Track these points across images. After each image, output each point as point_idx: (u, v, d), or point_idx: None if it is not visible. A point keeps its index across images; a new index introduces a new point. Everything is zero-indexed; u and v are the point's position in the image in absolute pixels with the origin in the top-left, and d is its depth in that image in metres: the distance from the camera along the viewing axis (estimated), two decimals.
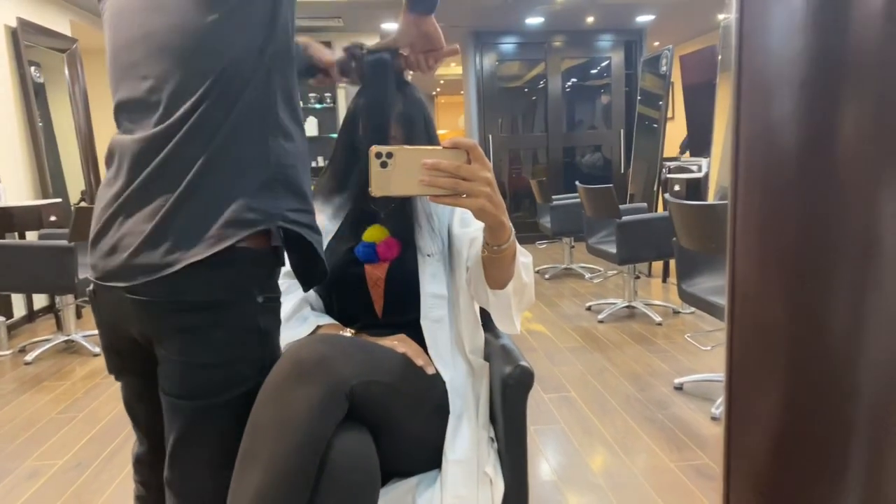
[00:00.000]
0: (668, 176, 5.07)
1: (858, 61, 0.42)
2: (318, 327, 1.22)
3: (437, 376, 1.17)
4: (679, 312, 4.06)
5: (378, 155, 0.86)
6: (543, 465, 2.21)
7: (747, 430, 0.49)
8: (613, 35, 7.30)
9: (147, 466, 1.07)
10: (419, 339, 1.21)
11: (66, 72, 4.99)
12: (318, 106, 6.55)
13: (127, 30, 0.92)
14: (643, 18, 6.85)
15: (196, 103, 0.85)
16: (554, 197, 5.51)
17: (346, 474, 0.93)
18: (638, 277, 4.16)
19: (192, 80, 0.85)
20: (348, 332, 1.22)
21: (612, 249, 3.80)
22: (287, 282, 1.25)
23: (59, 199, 4.40)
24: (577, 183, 4.33)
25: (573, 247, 5.58)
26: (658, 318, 3.87)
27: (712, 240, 2.49)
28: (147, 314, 0.89)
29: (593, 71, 7.62)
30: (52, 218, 4.09)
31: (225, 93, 0.86)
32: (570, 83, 7.56)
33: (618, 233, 3.70)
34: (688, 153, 6.81)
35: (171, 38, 0.87)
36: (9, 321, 3.99)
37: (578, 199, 4.37)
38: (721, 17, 6.42)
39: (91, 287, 0.98)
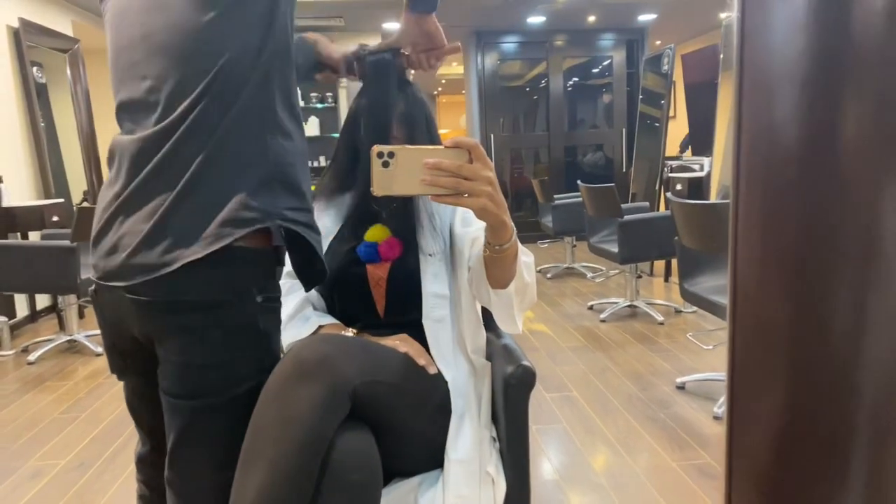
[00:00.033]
0: (670, 175, 5.06)
1: (860, 60, 0.42)
2: (320, 327, 1.22)
3: (439, 376, 1.17)
4: (681, 312, 4.06)
5: (380, 154, 0.86)
6: (545, 465, 2.21)
7: (749, 430, 0.49)
8: (615, 34, 7.30)
9: (150, 466, 1.08)
10: (421, 338, 1.21)
11: (69, 72, 4.99)
12: (319, 106, 6.55)
13: (128, 30, 0.92)
14: (645, 17, 6.85)
15: (194, 102, 0.85)
16: (556, 196, 5.51)
17: (349, 474, 0.93)
18: (640, 277, 4.16)
19: (190, 80, 0.85)
20: (350, 332, 1.22)
21: (614, 249, 3.79)
22: (289, 282, 1.25)
23: (61, 200, 4.40)
24: (578, 182, 4.33)
25: (575, 246, 5.58)
26: (660, 318, 3.87)
27: (714, 239, 2.49)
28: (146, 314, 0.90)
29: (595, 70, 7.61)
30: (55, 218, 4.10)
31: (223, 92, 0.86)
32: (571, 82, 7.55)
33: (619, 232, 3.70)
34: (688, 151, 6.81)
35: (169, 37, 0.87)
36: (11, 321, 4.00)
37: (580, 199, 4.37)
38: (723, 16, 6.40)
39: (93, 287, 0.98)
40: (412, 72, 1.28)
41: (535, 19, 6.73)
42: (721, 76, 4.52)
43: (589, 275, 5.28)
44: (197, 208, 0.86)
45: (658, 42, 7.78)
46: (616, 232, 3.76)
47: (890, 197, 0.42)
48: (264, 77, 0.89)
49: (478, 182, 0.89)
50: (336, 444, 0.93)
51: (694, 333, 3.62)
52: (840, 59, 0.42)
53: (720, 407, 2.60)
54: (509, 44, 7.34)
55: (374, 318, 1.26)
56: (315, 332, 1.21)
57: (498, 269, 1.06)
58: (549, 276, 5.38)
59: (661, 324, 3.82)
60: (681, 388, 2.84)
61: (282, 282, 0.99)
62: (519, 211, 7.42)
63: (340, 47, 1.26)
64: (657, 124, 5.58)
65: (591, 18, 6.79)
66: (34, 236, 4.13)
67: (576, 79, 7.59)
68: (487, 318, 1.33)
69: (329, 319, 1.26)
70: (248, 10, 0.87)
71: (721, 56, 4.63)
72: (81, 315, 4.21)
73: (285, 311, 1.22)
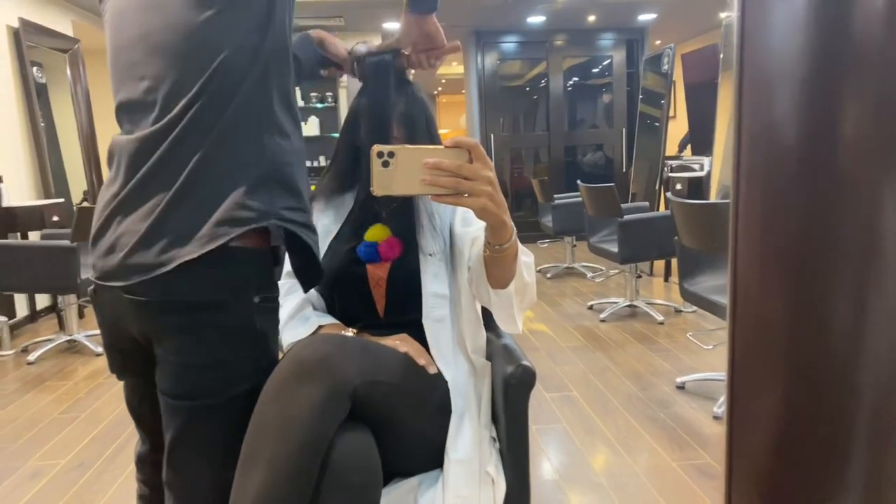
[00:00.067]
0: (670, 175, 5.06)
1: (859, 59, 0.42)
2: (320, 327, 1.22)
3: (439, 376, 1.17)
4: (681, 311, 4.06)
5: (380, 154, 0.86)
6: (545, 465, 2.21)
7: (749, 430, 0.49)
8: (615, 34, 7.30)
9: (149, 466, 1.08)
10: (421, 338, 1.21)
11: (69, 72, 4.99)
12: (319, 105, 6.55)
13: (127, 30, 0.92)
14: (645, 17, 6.85)
15: (191, 101, 0.85)
16: (555, 196, 5.51)
17: (349, 474, 0.93)
18: (640, 276, 4.16)
19: (187, 79, 0.85)
20: (350, 332, 1.22)
21: (614, 248, 3.79)
22: (289, 282, 1.25)
23: (61, 200, 4.40)
24: (578, 182, 4.33)
25: (575, 246, 5.58)
26: (660, 317, 3.87)
27: (714, 238, 2.49)
28: (144, 314, 0.89)
29: (595, 70, 7.61)
30: (55, 218, 4.10)
31: (220, 91, 0.86)
32: (571, 82, 7.55)
33: (619, 232, 3.70)
34: (687, 151, 6.81)
35: (166, 37, 0.87)
36: (11, 321, 4.00)
37: (580, 199, 4.36)
38: (723, 15, 6.40)
39: (92, 287, 0.98)
40: (412, 71, 1.28)
41: (535, 19, 6.73)
42: (721, 76, 4.52)
43: (589, 275, 5.28)
44: (194, 208, 0.86)
45: (658, 42, 7.78)
46: (616, 232, 3.76)
47: (890, 197, 0.42)
48: (262, 76, 0.89)
49: (478, 182, 0.89)
50: (336, 444, 0.93)
51: (694, 333, 3.62)
52: (840, 59, 0.42)
53: (720, 407, 2.60)
54: (509, 44, 7.34)
55: (374, 317, 1.26)
56: (315, 332, 1.21)
57: (498, 269, 1.06)
58: (549, 275, 5.38)
59: (661, 323, 3.82)
60: (681, 387, 2.84)
61: (281, 282, 0.99)
62: (519, 211, 7.42)
63: (346, 44, 1.26)
64: (657, 124, 5.59)
65: (591, 18, 6.79)
66: (34, 236, 4.13)
67: (576, 78, 7.59)
68: (487, 318, 1.33)
69: (329, 319, 1.26)
70: (246, 9, 0.87)
71: (721, 56, 4.63)
72: (81, 315, 4.21)
73: (285, 311, 1.22)
